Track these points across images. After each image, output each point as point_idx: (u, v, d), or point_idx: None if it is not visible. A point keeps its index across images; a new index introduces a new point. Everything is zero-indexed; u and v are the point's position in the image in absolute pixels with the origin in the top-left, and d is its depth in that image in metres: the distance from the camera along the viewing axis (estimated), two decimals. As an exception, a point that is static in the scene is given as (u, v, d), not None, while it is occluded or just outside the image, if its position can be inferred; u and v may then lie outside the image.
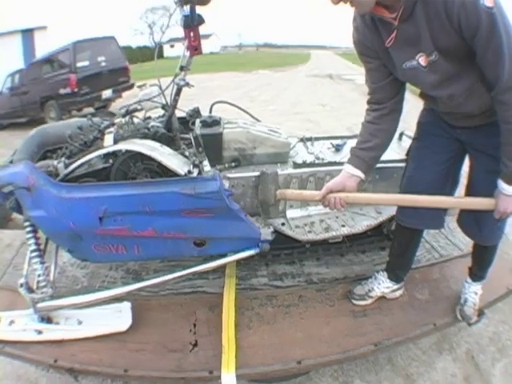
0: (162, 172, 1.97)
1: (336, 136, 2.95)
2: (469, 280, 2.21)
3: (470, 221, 1.94)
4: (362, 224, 2.32)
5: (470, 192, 1.90)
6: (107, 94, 9.67)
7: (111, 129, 2.09)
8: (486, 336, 2.51)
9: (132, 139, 2.00)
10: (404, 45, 1.53)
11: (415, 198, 1.80)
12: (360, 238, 2.59)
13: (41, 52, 13.89)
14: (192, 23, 1.97)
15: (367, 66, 1.77)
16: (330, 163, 2.41)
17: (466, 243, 2.71)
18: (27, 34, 17.82)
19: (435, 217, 1.99)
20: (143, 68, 24.62)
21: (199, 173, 1.94)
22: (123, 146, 1.93)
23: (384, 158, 2.35)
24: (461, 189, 2.03)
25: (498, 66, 1.38)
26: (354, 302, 2.22)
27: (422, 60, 1.52)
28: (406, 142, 2.78)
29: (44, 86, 9.35)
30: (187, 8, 1.96)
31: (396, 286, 2.25)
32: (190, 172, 1.90)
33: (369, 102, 1.86)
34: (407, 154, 2.12)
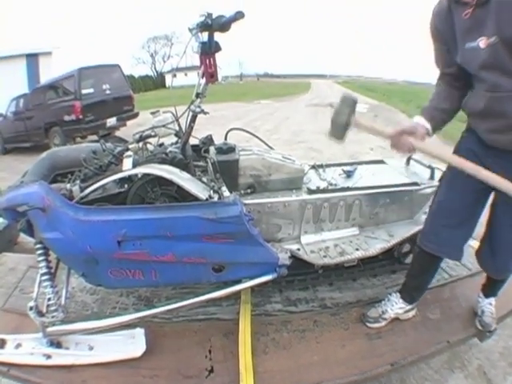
0: (180, 197, 1.97)
1: (346, 163, 2.98)
2: (481, 295, 2.29)
3: (487, 254, 2.03)
4: (376, 247, 2.34)
5: (493, 222, 1.97)
6: (112, 121, 9.70)
7: (128, 153, 2.10)
8: (497, 351, 2.53)
9: (150, 164, 2.00)
10: (472, 26, 1.61)
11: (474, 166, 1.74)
12: (371, 262, 2.60)
13: (45, 77, 14.06)
14: (209, 50, 1.99)
15: (443, 47, 1.82)
16: (343, 189, 2.44)
17: (473, 262, 2.70)
18: (32, 58, 17.99)
19: (455, 247, 2.02)
20: (146, 97, 24.86)
21: (219, 198, 1.94)
22: (143, 169, 1.93)
23: (394, 181, 2.41)
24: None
25: None
26: (369, 324, 2.24)
27: (482, 43, 1.59)
28: (414, 167, 2.85)
29: (48, 111, 9.39)
30: (204, 35, 1.98)
31: (409, 307, 2.27)
32: (210, 197, 1.90)
33: (440, 79, 1.93)
34: (440, 180, 2.15)
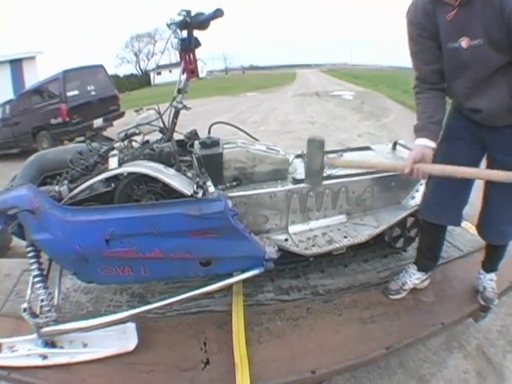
0: (166, 194, 1.98)
1: (332, 150, 2.97)
2: (482, 271, 2.35)
3: (484, 222, 2.13)
4: (364, 234, 2.36)
5: (488, 191, 2.05)
6: (98, 122, 9.67)
7: (114, 152, 2.10)
8: (495, 330, 2.56)
9: (136, 161, 2.02)
10: (455, 27, 1.70)
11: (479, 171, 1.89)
12: (362, 247, 2.61)
13: (30, 82, 13.97)
14: (189, 46, 2.01)
15: (423, 46, 1.89)
16: (328, 177, 2.43)
17: (464, 243, 2.84)
18: (16, 63, 17.92)
19: (454, 214, 2.16)
20: (132, 96, 24.71)
21: (204, 194, 1.95)
22: (129, 168, 1.94)
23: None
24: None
25: None
26: (391, 297, 2.36)
27: (463, 43, 1.70)
28: (401, 152, 2.84)
29: (35, 116, 9.33)
30: (183, 32, 2.00)
31: (425, 276, 2.40)
32: (195, 193, 1.91)
33: (420, 83, 1.98)
34: (434, 155, 2.17)
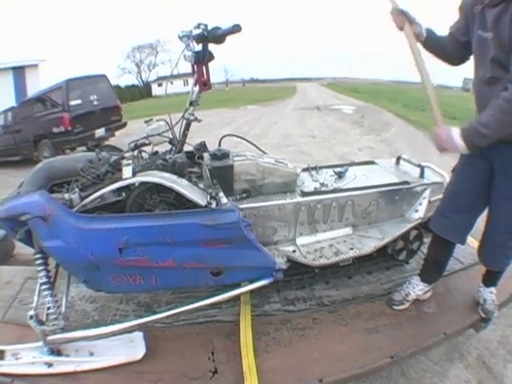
0: (178, 204, 2.00)
1: (337, 164, 3.02)
2: (482, 285, 2.39)
3: (483, 248, 2.19)
4: (370, 245, 2.39)
5: (489, 215, 2.12)
6: (100, 132, 9.65)
7: (128, 161, 2.10)
8: (495, 340, 2.59)
9: (149, 171, 2.03)
10: (478, 18, 1.86)
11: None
12: (366, 259, 2.63)
13: (32, 90, 14.00)
14: (203, 59, 2.05)
15: (459, 19, 2.07)
16: (336, 190, 2.49)
17: (465, 256, 2.87)
18: (18, 71, 17.99)
19: (461, 231, 2.21)
20: (133, 107, 24.71)
21: (217, 204, 1.98)
22: (145, 178, 1.96)
23: (385, 181, 2.49)
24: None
25: None
26: (395, 307, 2.40)
27: (489, 35, 1.80)
28: (404, 166, 2.91)
29: (37, 124, 9.33)
30: (195, 44, 2.04)
31: (428, 288, 2.44)
32: (209, 203, 1.94)
33: (452, 38, 2.12)
34: (452, 171, 2.28)
